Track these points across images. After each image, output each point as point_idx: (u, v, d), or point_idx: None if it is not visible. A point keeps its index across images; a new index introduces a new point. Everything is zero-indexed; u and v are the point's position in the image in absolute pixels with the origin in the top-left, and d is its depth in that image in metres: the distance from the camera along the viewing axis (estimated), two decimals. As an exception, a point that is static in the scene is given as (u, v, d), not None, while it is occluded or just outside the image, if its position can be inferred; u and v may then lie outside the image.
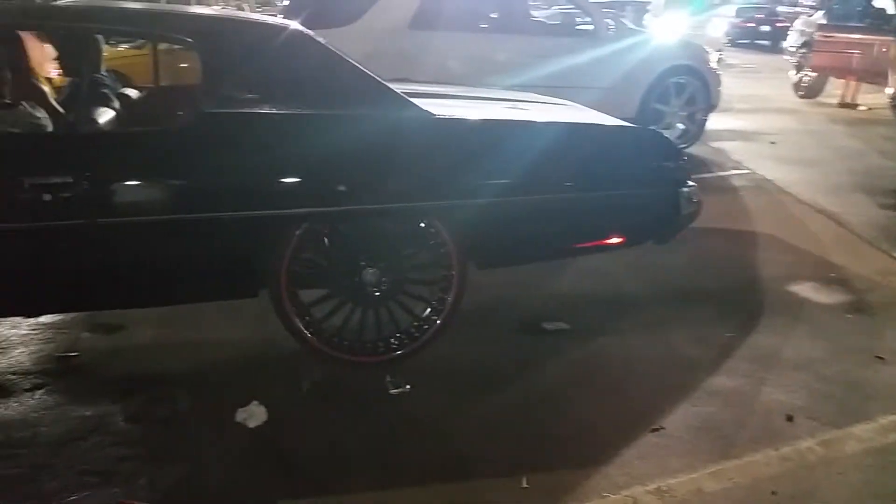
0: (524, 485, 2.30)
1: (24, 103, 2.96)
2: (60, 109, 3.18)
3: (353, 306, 2.95)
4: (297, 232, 2.77)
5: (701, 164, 6.74)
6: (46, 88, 3.25)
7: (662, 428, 2.60)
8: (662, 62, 6.88)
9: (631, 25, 8.22)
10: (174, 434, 2.59)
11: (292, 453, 2.48)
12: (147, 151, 2.69)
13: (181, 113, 3.19)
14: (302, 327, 2.88)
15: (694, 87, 6.96)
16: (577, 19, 7.68)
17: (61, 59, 3.60)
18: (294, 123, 2.74)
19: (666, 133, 6.94)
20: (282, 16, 7.28)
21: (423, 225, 2.93)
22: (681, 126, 7.08)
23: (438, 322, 2.99)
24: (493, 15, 7.16)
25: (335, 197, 2.76)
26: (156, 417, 2.67)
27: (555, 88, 6.35)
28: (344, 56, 2.97)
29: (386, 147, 2.83)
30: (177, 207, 2.63)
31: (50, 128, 2.98)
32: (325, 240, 2.88)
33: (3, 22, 3.03)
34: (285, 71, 2.84)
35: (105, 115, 3.12)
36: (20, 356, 3.10)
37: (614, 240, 3.25)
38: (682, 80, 6.93)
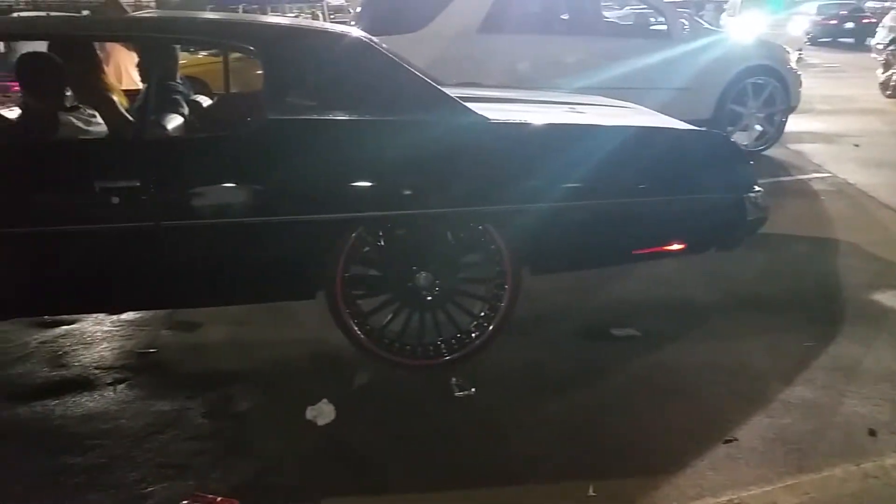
0: (591, 492, 2.27)
1: (75, 111, 3.12)
2: (129, 117, 3.33)
3: (406, 309, 2.97)
4: (353, 235, 2.81)
5: (779, 167, 6.52)
6: (115, 97, 3.42)
7: (735, 439, 2.52)
8: (739, 62, 6.70)
9: (707, 25, 8.03)
10: (247, 430, 2.66)
11: (359, 451, 2.51)
12: (209, 157, 2.78)
13: (247, 119, 3.29)
14: (356, 329, 2.92)
15: (772, 87, 6.76)
16: (651, 19, 7.55)
17: (139, 68, 3.79)
18: (350, 130, 2.78)
19: (743, 135, 6.84)
20: (353, 23, 7.43)
21: (477, 229, 2.93)
22: (758, 128, 6.89)
23: (491, 328, 2.98)
24: (564, 17, 7.11)
25: (387, 201, 2.80)
26: (230, 413, 2.75)
27: (627, 90, 6.26)
28: (402, 62, 3.00)
29: (440, 152, 2.83)
30: (236, 211, 2.71)
31: (100, 134, 3.12)
32: (380, 243, 2.90)
33: (76, 34, 3.20)
34: (344, 78, 2.88)
35: (173, 122, 3.25)
36: (103, 351, 3.25)
37: (675, 246, 3.14)
38: (760, 81, 6.75)
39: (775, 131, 6.90)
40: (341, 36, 3.07)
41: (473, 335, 2.99)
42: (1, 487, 2.31)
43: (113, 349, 3.28)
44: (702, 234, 3.20)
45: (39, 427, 2.68)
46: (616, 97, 6.18)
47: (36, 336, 3.38)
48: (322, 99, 2.80)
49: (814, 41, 20.02)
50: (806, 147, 7.24)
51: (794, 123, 7.27)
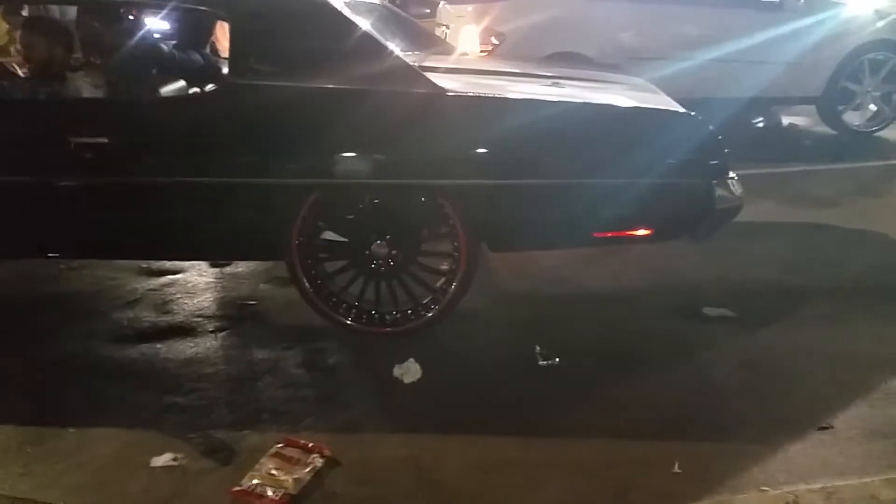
0: (676, 469, 2.24)
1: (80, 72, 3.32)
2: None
3: (364, 277, 2.99)
4: (308, 201, 2.85)
5: (892, 149, 6.15)
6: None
7: (831, 427, 2.43)
8: (857, 37, 6.31)
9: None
10: (337, 382, 2.76)
11: (443, 410, 2.56)
12: (178, 118, 2.91)
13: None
14: (311, 291, 2.98)
15: (893, 63, 6.34)
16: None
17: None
18: (305, 97, 2.79)
19: (855, 114, 6.47)
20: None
21: (431, 203, 2.89)
22: (873, 107, 6.50)
23: (442, 304, 2.97)
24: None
25: (339, 169, 2.79)
26: (322, 365, 2.86)
27: (731, 63, 6.06)
28: (366, 29, 2.90)
29: (392, 122, 2.79)
30: (198, 171, 2.81)
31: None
32: (335, 210, 2.93)
33: None
34: (303, 44, 2.85)
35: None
36: (206, 301, 3.42)
37: (641, 232, 2.99)
38: (879, 56, 6.34)
39: (891, 111, 6.49)
40: (304, 1, 2.99)
41: (423, 309, 2.99)
42: (110, 422, 2.48)
43: (215, 299, 3.45)
44: (668, 221, 3.02)
45: (146, 368, 2.86)
46: (721, 70, 6.04)
47: (144, 284, 3.59)
48: (280, 64, 2.83)
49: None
50: (927, 130, 6.80)
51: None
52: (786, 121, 7.41)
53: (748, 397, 2.63)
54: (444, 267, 3.00)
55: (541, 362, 2.84)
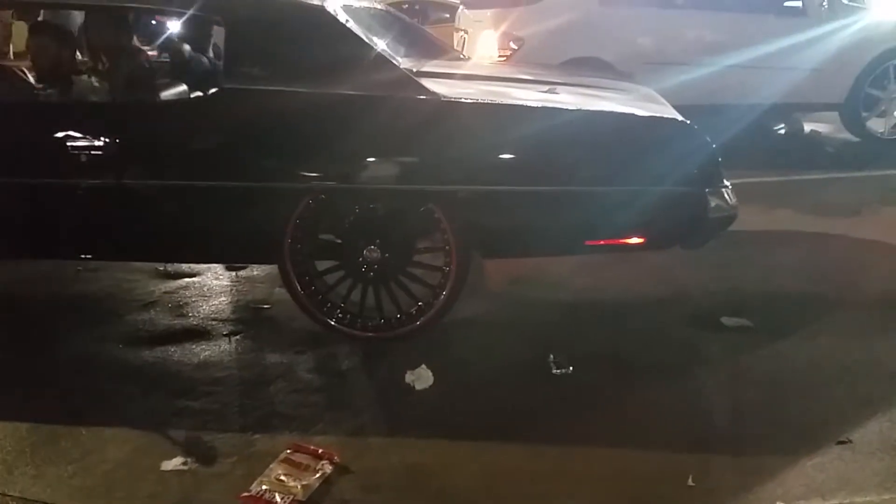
0: (690, 482, 2.20)
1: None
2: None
3: (356, 282, 2.98)
4: (301, 205, 2.85)
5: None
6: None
7: (850, 441, 2.38)
8: (881, 43, 6.24)
9: (847, 2, 7.50)
10: (349, 388, 2.76)
11: (453, 418, 2.54)
12: (172, 121, 2.94)
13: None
14: (303, 296, 2.98)
15: (918, 71, 6.26)
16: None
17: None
18: (301, 102, 2.79)
19: (879, 121, 6.38)
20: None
21: (422, 208, 2.88)
22: (898, 114, 6.41)
23: (433, 310, 2.96)
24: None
25: (333, 174, 2.82)
26: (335, 371, 2.86)
27: (753, 69, 6.01)
28: (362, 35, 2.90)
29: (385, 128, 2.79)
30: (190, 175, 2.83)
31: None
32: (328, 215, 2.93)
33: None
34: (299, 50, 2.87)
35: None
36: (220, 304, 3.43)
37: (633, 240, 2.95)
38: (904, 64, 6.26)
39: (916, 119, 6.40)
40: (300, 7, 3.01)
41: (414, 315, 2.97)
42: (122, 424, 2.48)
43: (230, 302, 3.46)
44: (661, 229, 2.98)
45: (160, 370, 2.87)
46: (741, 76, 5.98)
47: (160, 286, 3.61)
48: (274, 69, 2.84)
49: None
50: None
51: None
52: (808, 127, 7.32)
53: (765, 409, 2.58)
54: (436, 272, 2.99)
55: (554, 371, 2.81)
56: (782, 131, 7.26)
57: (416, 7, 13.05)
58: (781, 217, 4.54)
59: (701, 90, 5.71)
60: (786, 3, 6.93)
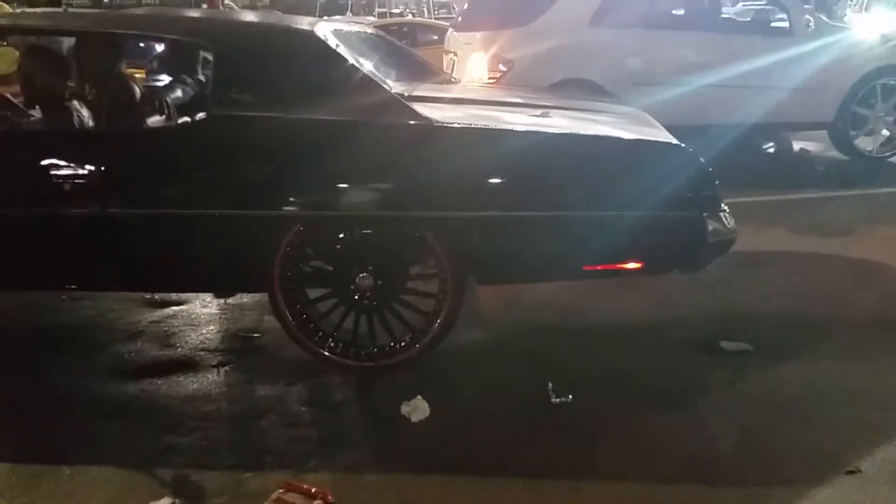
0: (697, 515, 2.14)
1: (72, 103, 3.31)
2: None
3: (347, 310, 2.92)
4: (291, 233, 2.79)
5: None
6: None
7: (859, 470, 2.32)
8: (867, 62, 6.29)
9: (832, 22, 7.59)
10: (343, 421, 2.67)
11: (450, 450, 2.47)
12: (157, 149, 2.88)
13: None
14: (293, 325, 2.92)
15: (906, 89, 6.29)
16: (773, 16, 7.19)
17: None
18: (290, 128, 2.75)
19: (867, 140, 6.40)
20: (458, 18, 7.41)
21: (415, 235, 2.83)
22: (885, 132, 6.44)
23: (428, 338, 2.90)
24: (678, 12, 6.85)
25: (324, 202, 2.77)
26: (327, 403, 2.77)
27: (741, 88, 6.03)
28: (353, 60, 2.87)
29: (377, 154, 2.75)
30: (178, 203, 2.77)
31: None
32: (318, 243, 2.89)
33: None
34: (288, 76, 2.83)
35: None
36: (209, 334, 3.35)
37: (631, 265, 2.90)
38: (891, 82, 6.30)
39: (903, 137, 6.44)
40: (290, 33, 3.00)
41: (405, 344, 2.91)
42: (107, 462, 2.39)
43: (218, 331, 3.37)
44: (659, 254, 2.94)
45: (146, 405, 2.77)
46: (730, 96, 5.99)
47: (146, 315, 3.52)
48: (263, 95, 2.80)
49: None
50: (940, 155, 6.71)
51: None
52: (797, 146, 7.34)
53: (771, 437, 2.52)
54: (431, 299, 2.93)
55: (553, 399, 2.74)
56: (771, 150, 7.28)
57: (405, 29, 13.10)
58: (775, 237, 4.52)
59: (691, 110, 5.72)
60: (773, 24, 7.01)
